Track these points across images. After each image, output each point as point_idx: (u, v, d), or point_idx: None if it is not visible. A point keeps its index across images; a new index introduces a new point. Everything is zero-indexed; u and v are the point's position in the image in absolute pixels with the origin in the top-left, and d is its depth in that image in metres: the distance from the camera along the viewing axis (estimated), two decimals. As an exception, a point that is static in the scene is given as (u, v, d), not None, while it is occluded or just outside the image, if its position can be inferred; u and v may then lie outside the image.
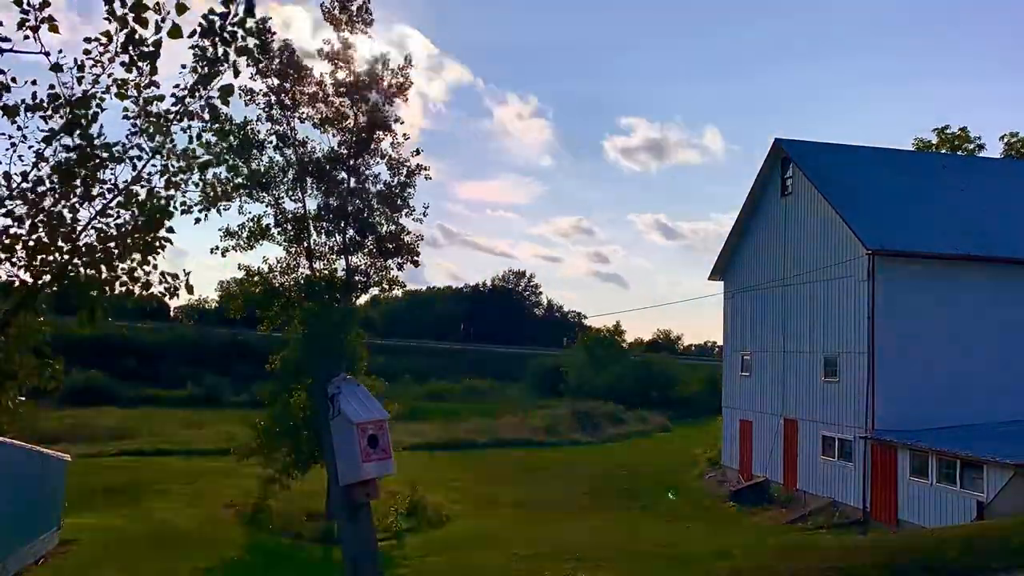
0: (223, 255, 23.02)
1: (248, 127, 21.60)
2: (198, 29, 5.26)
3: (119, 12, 5.12)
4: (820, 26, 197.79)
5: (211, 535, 22.73)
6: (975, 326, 25.05)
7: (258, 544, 22.34)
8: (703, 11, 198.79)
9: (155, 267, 5.64)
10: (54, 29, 5.13)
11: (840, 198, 26.66)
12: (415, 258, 24.66)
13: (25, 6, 5.04)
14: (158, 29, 5.15)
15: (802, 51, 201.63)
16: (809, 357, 27.84)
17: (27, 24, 5.05)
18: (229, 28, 5.31)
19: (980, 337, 24.99)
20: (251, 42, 5.39)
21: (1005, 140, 47.76)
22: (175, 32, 5.11)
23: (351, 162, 23.97)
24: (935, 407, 23.87)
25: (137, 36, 5.19)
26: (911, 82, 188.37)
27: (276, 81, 22.22)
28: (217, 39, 5.31)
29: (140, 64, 5.29)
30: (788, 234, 29.71)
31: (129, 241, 5.47)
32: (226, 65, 5.41)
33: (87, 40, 5.26)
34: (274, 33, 21.14)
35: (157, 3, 5.10)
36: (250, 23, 5.30)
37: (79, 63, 5.25)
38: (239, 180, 21.52)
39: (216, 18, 5.27)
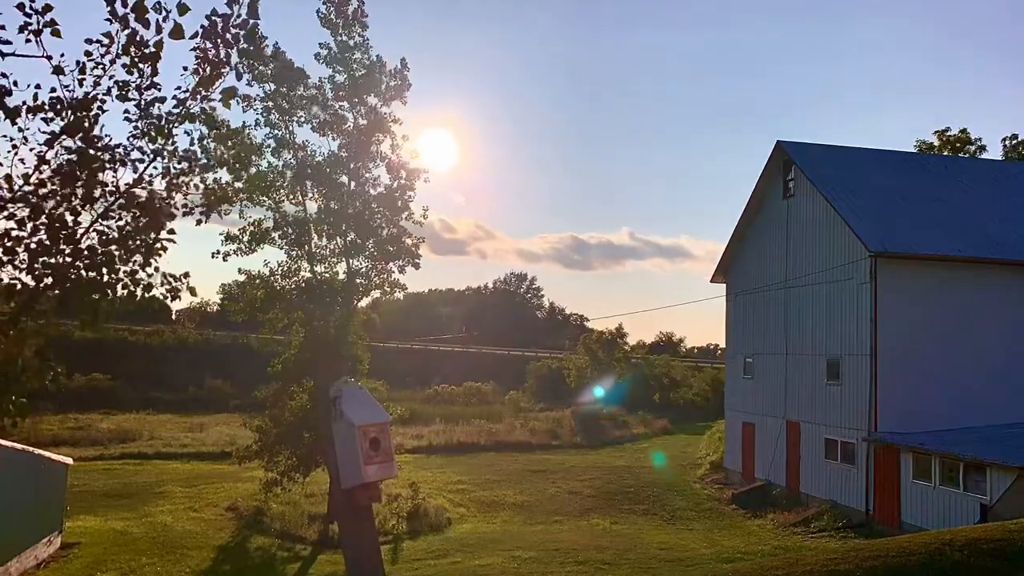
0: (224, 259, 23.05)
1: (246, 131, 21.60)
2: (200, 31, 5.24)
3: (120, 12, 5.11)
4: (821, 28, 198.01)
5: (212, 539, 22.73)
6: (977, 328, 25.00)
7: (248, 549, 22.31)
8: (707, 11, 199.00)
9: (156, 269, 5.63)
10: (56, 34, 5.11)
11: (842, 200, 26.64)
12: (416, 261, 24.66)
13: (28, 10, 5.02)
14: (159, 30, 5.13)
15: (804, 53, 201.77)
16: (811, 359, 27.79)
17: (29, 28, 5.03)
18: (232, 30, 5.29)
19: (983, 339, 24.93)
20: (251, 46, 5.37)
21: (1006, 142, 47.86)
22: (177, 33, 5.10)
23: (351, 165, 23.96)
24: (938, 409, 23.83)
25: (139, 38, 5.17)
26: (912, 84, 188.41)
27: (272, 86, 22.24)
28: (219, 41, 5.30)
29: (141, 66, 5.27)
30: (790, 236, 29.68)
31: (130, 243, 5.46)
32: (228, 67, 5.40)
33: (88, 42, 5.25)
34: (265, 38, 21.15)
35: (158, 2, 5.09)
36: (252, 22, 5.28)
37: (80, 65, 5.23)
38: (239, 185, 21.51)
39: (218, 20, 5.26)
